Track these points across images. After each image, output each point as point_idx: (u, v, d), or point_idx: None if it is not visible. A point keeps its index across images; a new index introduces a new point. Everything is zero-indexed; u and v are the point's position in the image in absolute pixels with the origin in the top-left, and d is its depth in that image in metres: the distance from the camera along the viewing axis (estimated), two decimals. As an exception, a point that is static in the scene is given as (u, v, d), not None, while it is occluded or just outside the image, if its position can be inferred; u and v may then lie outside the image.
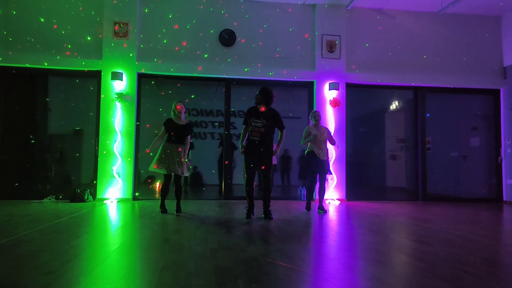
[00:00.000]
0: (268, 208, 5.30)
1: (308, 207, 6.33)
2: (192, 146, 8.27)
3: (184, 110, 5.86)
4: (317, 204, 6.34)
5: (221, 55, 8.10)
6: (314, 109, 6.52)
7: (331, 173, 7.63)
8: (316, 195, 6.55)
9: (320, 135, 6.25)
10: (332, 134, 8.01)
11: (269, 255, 3.08)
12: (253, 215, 5.35)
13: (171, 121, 5.80)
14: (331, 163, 8.06)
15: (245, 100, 8.02)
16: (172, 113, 5.82)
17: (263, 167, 5.23)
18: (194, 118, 12.96)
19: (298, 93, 9.19)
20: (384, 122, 10.01)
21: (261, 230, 4.40)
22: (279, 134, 5.42)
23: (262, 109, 5.26)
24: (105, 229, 4.59)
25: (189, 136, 5.85)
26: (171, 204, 6.49)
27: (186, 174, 5.93)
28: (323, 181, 6.30)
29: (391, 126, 9.93)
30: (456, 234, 4.27)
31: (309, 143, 6.27)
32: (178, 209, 5.82)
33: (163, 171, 5.73)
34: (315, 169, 6.24)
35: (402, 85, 8.72)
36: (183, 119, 5.86)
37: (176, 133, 5.71)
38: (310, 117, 6.52)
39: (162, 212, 5.75)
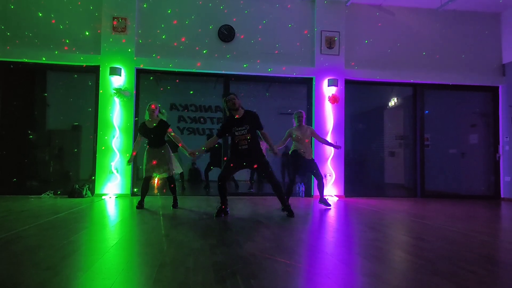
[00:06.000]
0: (286, 204, 5.16)
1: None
2: (175, 149, 7.45)
3: (157, 110, 5.89)
4: (318, 199, 6.46)
5: (220, 51, 8.07)
6: (298, 110, 6.47)
7: (325, 176, 7.68)
8: (315, 192, 6.57)
9: (302, 135, 6.19)
10: (329, 133, 8.03)
11: (268, 251, 3.08)
12: (224, 215, 5.04)
13: (144, 125, 5.87)
14: (329, 160, 8.08)
15: (243, 96, 8.00)
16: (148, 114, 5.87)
17: (263, 171, 5.11)
18: (192, 114, 12.96)
19: (297, 90, 9.19)
20: (383, 119, 10.02)
21: (259, 226, 4.40)
22: (262, 137, 5.19)
23: (240, 114, 5.03)
24: (103, 224, 4.59)
25: (167, 131, 5.83)
26: (169, 199, 6.51)
27: (178, 171, 5.97)
28: (319, 178, 6.28)
29: (390, 122, 9.95)
30: (454, 231, 4.28)
31: (293, 142, 6.25)
32: (175, 205, 5.87)
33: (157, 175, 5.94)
34: (299, 168, 6.20)
35: (401, 81, 8.72)
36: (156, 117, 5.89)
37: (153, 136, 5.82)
38: (293, 117, 6.36)
39: (137, 208, 5.72)
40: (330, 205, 6.33)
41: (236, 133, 4.95)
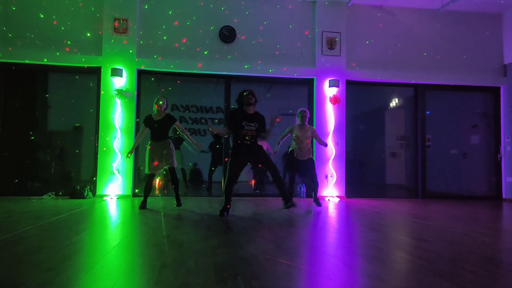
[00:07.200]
0: (287, 197, 5.28)
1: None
2: (180, 141, 8.95)
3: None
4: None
5: (221, 52, 8.08)
6: (302, 108, 6.50)
7: (326, 177, 7.71)
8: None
9: (302, 136, 6.19)
10: (330, 133, 8.03)
11: (269, 252, 3.08)
12: (227, 214, 5.15)
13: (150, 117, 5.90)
14: (330, 161, 8.07)
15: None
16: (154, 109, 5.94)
17: (269, 167, 5.20)
18: (193, 115, 12.97)
19: (298, 90, 9.18)
20: (384, 120, 10.03)
21: (260, 227, 4.40)
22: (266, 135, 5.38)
23: (252, 111, 5.22)
24: (105, 225, 4.59)
25: (173, 125, 5.90)
26: (170, 200, 6.51)
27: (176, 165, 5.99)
28: (313, 179, 6.29)
29: (391, 123, 9.95)
30: (455, 232, 4.27)
31: (292, 141, 6.27)
32: (178, 203, 5.85)
33: (157, 171, 5.92)
34: (291, 170, 6.27)
35: (402, 82, 8.70)
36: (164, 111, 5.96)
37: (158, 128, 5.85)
38: (297, 115, 6.38)
39: (140, 208, 5.74)
40: (320, 205, 6.32)
41: (246, 127, 5.10)
